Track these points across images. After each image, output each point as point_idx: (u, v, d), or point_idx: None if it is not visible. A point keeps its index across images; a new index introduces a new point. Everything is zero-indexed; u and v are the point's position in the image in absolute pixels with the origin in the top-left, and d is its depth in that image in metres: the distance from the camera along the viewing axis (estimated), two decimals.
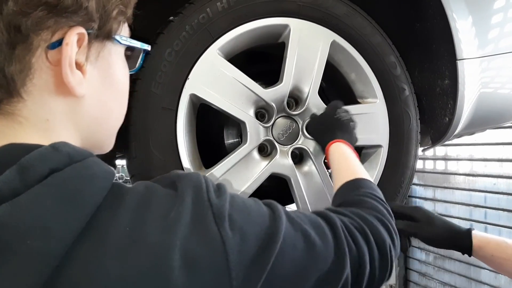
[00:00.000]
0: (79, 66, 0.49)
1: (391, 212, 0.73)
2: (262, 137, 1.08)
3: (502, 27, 1.29)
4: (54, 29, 0.47)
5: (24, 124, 0.47)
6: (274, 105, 1.08)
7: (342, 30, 1.12)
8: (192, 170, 1.02)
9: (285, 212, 0.56)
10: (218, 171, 1.03)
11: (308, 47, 1.09)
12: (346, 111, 1.08)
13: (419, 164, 3.96)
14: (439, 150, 3.78)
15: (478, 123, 1.39)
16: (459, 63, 1.18)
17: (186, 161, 1.01)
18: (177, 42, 1.00)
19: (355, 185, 0.80)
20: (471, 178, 3.52)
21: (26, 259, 0.37)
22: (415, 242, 4.10)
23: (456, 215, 3.64)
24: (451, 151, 3.71)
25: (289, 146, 1.12)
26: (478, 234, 1.05)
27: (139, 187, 0.49)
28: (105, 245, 0.41)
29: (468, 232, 1.05)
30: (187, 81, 1.00)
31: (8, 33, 0.44)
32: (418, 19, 1.27)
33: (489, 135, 3.14)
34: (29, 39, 0.45)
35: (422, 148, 1.55)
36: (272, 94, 1.08)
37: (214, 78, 1.02)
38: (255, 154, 1.09)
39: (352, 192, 0.77)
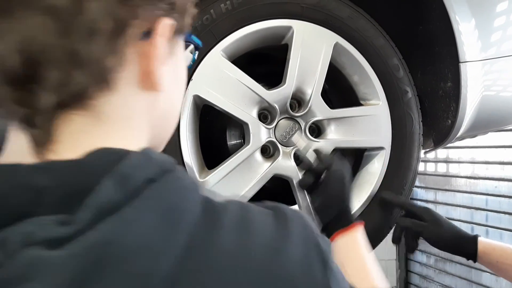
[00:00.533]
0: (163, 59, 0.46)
1: None
2: (264, 139, 1.09)
3: (505, 30, 1.29)
4: (145, 18, 0.43)
5: (106, 123, 0.43)
6: (277, 106, 1.08)
7: (345, 32, 1.13)
8: (195, 171, 1.02)
9: None
10: (221, 172, 1.03)
11: (311, 49, 1.10)
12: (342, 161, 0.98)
13: (420, 166, 3.96)
14: (441, 152, 3.77)
15: (481, 126, 1.39)
16: (461, 65, 1.18)
17: (189, 162, 1.01)
18: None
19: None
20: (472, 180, 3.51)
21: (133, 281, 0.34)
22: None
23: (457, 217, 3.63)
24: (453, 154, 3.70)
25: (292, 147, 1.13)
26: (484, 241, 1.05)
27: (232, 205, 0.44)
28: (209, 269, 0.37)
29: (474, 239, 1.05)
30: (191, 82, 1.00)
31: (108, 22, 0.40)
32: (421, 21, 1.27)
33: (491, 138, 3.14)
34: (125, 28, 0.42)
35: (424, 151, 1.55)
36: (275, 96, 1.08)
37: (218, 80, 1.02)
38: (258, 155, 1.09)
39: None
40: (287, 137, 1.12)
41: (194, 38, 0.55)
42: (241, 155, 1.05)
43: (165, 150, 0.99)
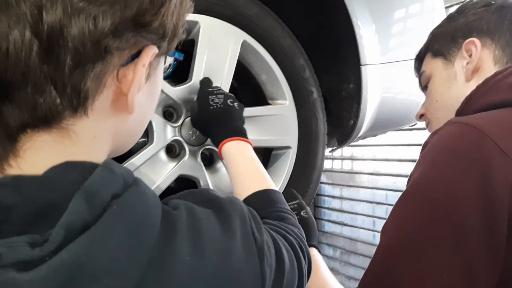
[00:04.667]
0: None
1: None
2: (170, 137, 1.04)
3: (402, 36, 1.38)
4: (132, 48, 0.44)
5: (74, 140, 0.43)
6: (183, 104, 1.04)
7: (253, 31, 1.11)
8: None
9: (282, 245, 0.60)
10: None
11: (219, 46, 1.07)
12: (220, 91, 0.97)
13: (328, 164, 4.14)
14: (346, 150, 3.97)
15: (380, 126, 1.47)
16: (362, 68, 1.23)
17: None
18: None
19: (270, 198, 0.78)
20: (374, 177, 3.75)
21: None
22: (323, 238, 4.28)
23: (361, 212, 3.85)
24: (357, 152, 3.92)
25: (199, 146, 1.09)
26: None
27: (181, 211, 0.48)
28: (169, 280, 0.41)
29: None
30: None
31: (94, 51, 0.40)
32: (327, 24, 1.31)
33: (390, 137, 3.36)
34: (111, 57, 0.42)
35: (329, 149, 1.60)
36: (181, 93, 1.04)
37: None
38: (163, 155, 1.04)
39: (270, 207, 0.76)
40: (194, 135, 1.09)
41: (177, 54, 0.57)
42: (143, 155, 1.00)
43: None
